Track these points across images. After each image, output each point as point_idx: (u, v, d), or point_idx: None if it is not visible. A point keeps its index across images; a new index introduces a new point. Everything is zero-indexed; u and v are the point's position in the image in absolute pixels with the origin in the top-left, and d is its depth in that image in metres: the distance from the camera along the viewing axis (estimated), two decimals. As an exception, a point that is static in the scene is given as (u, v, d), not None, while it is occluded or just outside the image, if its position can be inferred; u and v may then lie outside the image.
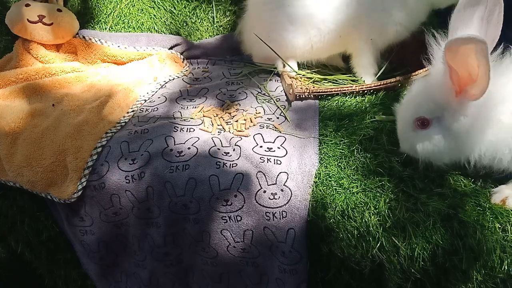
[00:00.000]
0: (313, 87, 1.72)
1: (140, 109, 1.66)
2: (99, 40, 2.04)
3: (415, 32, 1.65)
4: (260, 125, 1.49)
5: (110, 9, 2.17)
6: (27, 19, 1.93)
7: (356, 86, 1.61)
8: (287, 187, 1.27)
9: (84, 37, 2.05)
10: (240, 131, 1.46)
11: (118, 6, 2.17)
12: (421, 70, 1.61)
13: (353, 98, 1.60)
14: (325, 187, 1.26)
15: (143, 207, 1.37)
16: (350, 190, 1.24)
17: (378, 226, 1.17)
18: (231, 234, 1.32)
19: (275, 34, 1.74)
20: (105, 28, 2.15)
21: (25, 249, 1.54)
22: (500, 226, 1.11)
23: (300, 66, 1.87)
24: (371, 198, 1.21)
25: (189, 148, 1.39)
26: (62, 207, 1.45)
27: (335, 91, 1.62)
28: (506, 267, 1.08)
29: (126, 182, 1.36)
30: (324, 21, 1.67)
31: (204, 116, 1.56)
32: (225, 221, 1.30)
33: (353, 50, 1.77)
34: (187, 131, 1.47)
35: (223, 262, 1.38)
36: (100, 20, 2.16)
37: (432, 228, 1.14)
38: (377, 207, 1.19)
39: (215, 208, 1.30)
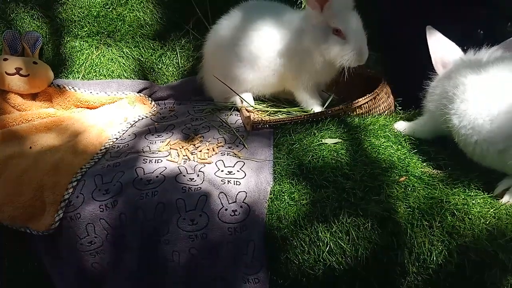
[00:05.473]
0: (268, 119, 1.92)
1: (112, 146, 1.80)
2: (72, 87, 2.21)
3: (360, 69, 1.90)
4: (221, 153, 1.67)
5: (82, 59, 2.36)
6: (5, 72, 2.09)
7: (305, 115, 1.82)
8: (246, 203, 1.43)
9: (58, 85, 2.21)
10: (204, 159, 1.63)
11: (90, 57, 2.37)
12: (360, 99, 1.84)
13: (303, 125, 1.81)
14: (279, 202, 1.43)
15: (117, 234, 1.49)
16: (300, 202, 1.41)
17: (326, 232, 1.34)
18: (198, 253, 1.45)
19: (228, 71, 2.01)
20: (78, 77, 2.33)
21: (4, 284, 1.62)
22: (427, 224, 1.30)
23: (256, 100, 2.08)
24: (318, 208, 1.38)
25: (157, 177, 1.54)
26: (40, 240, 1.55)
27: (287, 120, 1.83)
28: (434, 257, 1.26)
29: (100, 211, 1.48)
30: (263, 62, 1.96)
31: (171, 148, 1.72)
32: (192, 239, 1.44)
33: (290, 88, 2.04)
34: (155, 162, 1.63)
35: (193, 281, 1.49)
36: (73, 70, 2.34)
37: (371, 229, 1.31)
38: (323, 215, 1.36)
39: (183, 228, 1.43)
